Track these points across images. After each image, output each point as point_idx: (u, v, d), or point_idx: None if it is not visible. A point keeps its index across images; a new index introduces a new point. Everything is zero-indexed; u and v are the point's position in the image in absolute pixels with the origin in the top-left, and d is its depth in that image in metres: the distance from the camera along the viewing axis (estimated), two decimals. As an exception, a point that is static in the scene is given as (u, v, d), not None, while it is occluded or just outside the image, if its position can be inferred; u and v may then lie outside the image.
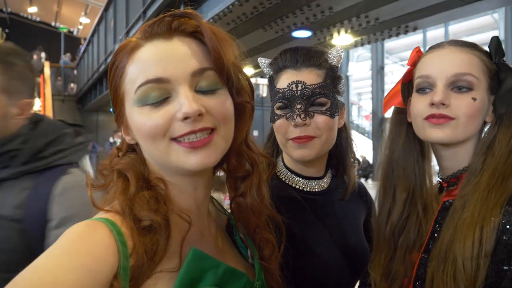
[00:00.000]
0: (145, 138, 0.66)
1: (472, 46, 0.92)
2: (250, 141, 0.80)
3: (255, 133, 13.97)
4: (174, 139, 0.65)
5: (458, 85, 0.88)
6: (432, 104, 0.88)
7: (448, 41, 0.95)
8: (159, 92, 0.64)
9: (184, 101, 0.62)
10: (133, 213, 0.63)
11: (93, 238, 0.58)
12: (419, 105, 0.92)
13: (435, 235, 0.93)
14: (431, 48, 0.97)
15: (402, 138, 1.01)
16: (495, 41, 0.92)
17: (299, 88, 0.99)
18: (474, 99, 0.87)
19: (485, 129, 0.94)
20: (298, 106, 0.98)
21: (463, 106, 0.87)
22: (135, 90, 0.65)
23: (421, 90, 0.92)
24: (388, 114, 1.07)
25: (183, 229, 0.66)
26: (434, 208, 0.98)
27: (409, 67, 1.00)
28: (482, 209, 0.81)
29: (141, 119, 0.65)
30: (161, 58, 0.64)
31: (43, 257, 0.55)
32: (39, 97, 13.40)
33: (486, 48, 0.93)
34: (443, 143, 0.91)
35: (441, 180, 0.99)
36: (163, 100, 0.64)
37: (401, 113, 1.01)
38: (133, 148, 0.74)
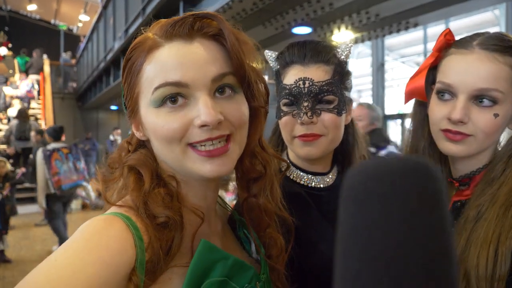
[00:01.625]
0: (161, 140, 0.65)
1: (506, 51, 0.82)
2: (263, 142, 0.80)
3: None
4: (190, 144, 0.64)
5: (480, 100, 0.82)
6: (450, 119, 0.84)
7: (479, 40, 0.84)
8: (177, 96, 0.63)
9: (204, 110, 0.62)
10: (148, 209, 0.63)
11: (110, 232, 0.58)
12: (437, 113, 0.87)
13: None
14: (460, 44, 0.87)
15: (427, 128, 0.96)
16: None
17: (307, 85, 0.97)
18: (496, 115, 0.81)
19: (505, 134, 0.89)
20: (305, 104, 0.97)
21: (482, 123, 0.82)
22: (152, 91, 0.64)
23: (441, 95, 0.87)
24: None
25: (194, 225, 0.67)
26: None
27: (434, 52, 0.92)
28: (497, 228, 0.78)
29: (157, 121, 0.64)
30: (181, 61, 0.64)
31: (61, 251, 0.55)
32: (39, 95, 13.39)
33: None
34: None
35: (452, 179, 0.95)
36: (181, 104, 0.64)
37: (423, 105, 0.96)
38: (143, 144, 0.74)
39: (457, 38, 0.92)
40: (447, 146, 0.87)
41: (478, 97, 0.82)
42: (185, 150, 0.65)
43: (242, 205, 0.82)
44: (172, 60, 0.64)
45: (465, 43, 0.86)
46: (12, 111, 10.57)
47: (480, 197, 0.84)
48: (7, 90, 11.17)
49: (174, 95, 0.63)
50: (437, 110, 0.88)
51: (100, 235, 0.58)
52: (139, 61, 0.66)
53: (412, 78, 0.96)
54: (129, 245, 0.58)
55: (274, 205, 0.80)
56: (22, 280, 0.51)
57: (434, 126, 0.90)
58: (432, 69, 0.93)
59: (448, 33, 0.89)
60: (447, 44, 0.90)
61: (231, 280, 0.67)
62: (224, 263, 0.66)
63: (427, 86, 0.93)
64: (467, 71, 0.82)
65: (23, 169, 7.09)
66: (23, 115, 9.12)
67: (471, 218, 0.83)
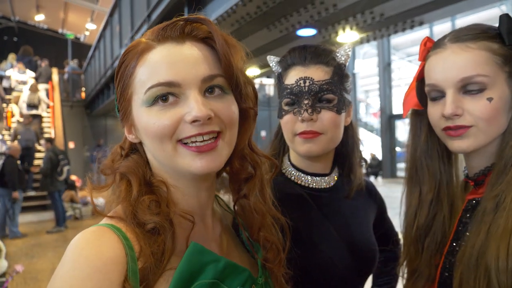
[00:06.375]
0: (152, 138, 0.66)
1: (477, 38, 0.83)
2: (253, 143, 0.81)
3: (263, 133, 13.96)
4: (180, 141, 0.66)
5: (468, 89, 0.81)
6: (444, 116, 0.83)
7: (450, 36, 0.86)
8: (169, 95, 0.65)
9: (194, 105, 0.63)
10: (136, 218, 0.64)
11: (101, 243, 0.59)
12: (434, 115, 0.88)
13: (460, 235, 0.89)
14: (434, 46, 0.89)
15: (423, 137, 0.96)
16: (506, 20, 0.82)
17: (307, 84, 1.00)
18: (490, 99, 0.80)
19: None
20: (306, 102, 1.00)
21: (478, 110, 0.80)
22: (145, 91, 0.66)
23: (432, 97, 0.88)
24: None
25: (187, 228, 0.68)
26: (458, 206, 0.94)
27: (421, 62, 0.94)
28: None
29: (149, 119, 0.66)
30: (173, 62, 0.65)
31: (58, 277, 0.57)
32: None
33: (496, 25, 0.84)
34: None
35: (467, 178, 0.93)
36: (172, 102, 0.65)
37: (420, 114, 0.96)
38: (136, 148, 0.75)
39: None
40: (454, 144, 0.85)
41: (465, 87, 0.82)
42: (176, 147, 0.66)
43: (234, 207, 0.84)
44: (164, 60, 0.65)
45: (438, 43, 0.88)
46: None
47: (496, 186, 0.81)
48: (14, 75, 12.10)
49: (165, 94, 0.65)
50: (433, 112, 0.88)
51: (91, 246, 0.58)
52: (131, 64, 0.68)
53: (406, 94, 0.98)
54: (120, 253, 0.59)
55: (264, 204, 0.81)
56: None
57: (436, 128, 0.89)
58: (422, 80, 0.93)
59: (427, 41, 0.91)
60: (429, 51, 0.91)
61: (223, 282, 0.67)
62: (215, 266, 0.66)
63: (423, 97, 0.93)
64: (445, 66, 0.84)
65: None
66: (33, 88, 11.15)
67: (489, 209, 0.80)
